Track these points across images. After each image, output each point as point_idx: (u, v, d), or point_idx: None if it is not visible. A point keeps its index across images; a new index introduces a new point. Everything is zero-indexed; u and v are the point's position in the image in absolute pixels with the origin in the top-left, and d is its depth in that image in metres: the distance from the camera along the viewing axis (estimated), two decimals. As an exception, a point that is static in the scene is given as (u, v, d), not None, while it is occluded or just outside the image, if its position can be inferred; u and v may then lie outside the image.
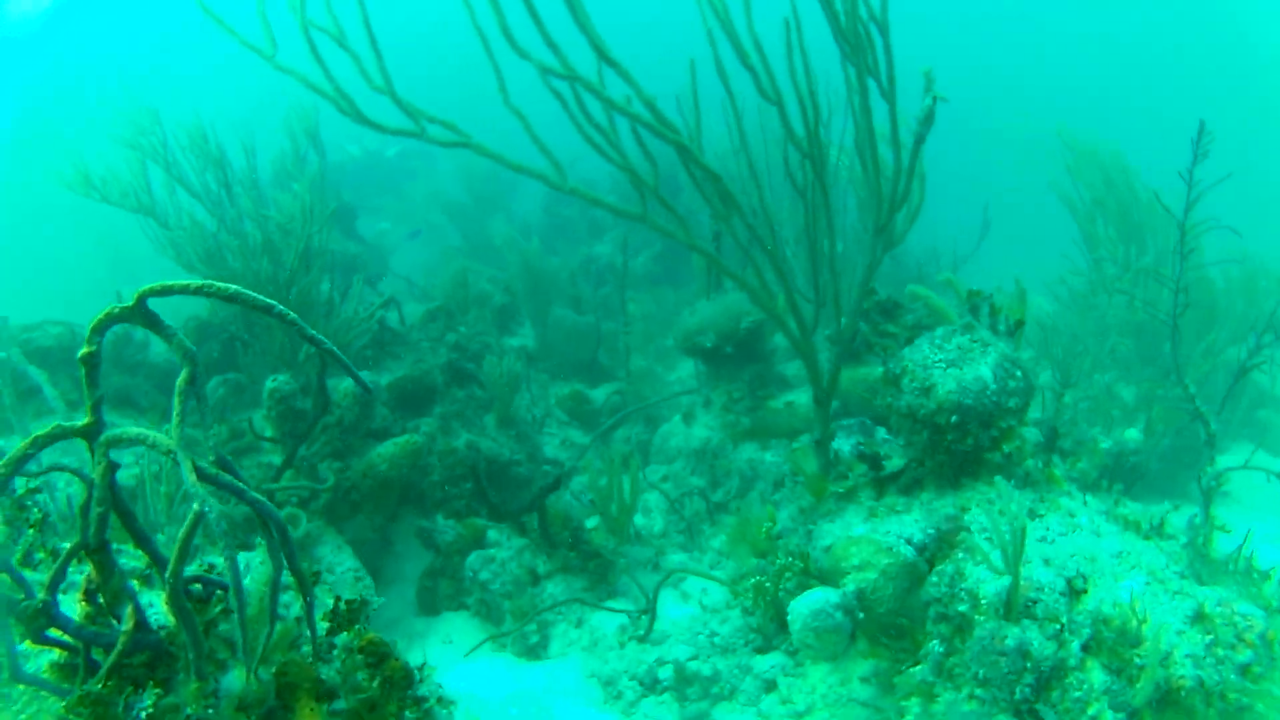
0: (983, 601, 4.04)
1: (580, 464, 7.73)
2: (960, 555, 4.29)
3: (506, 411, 7.00)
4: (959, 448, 4.78)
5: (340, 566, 5.47)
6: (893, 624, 4.48)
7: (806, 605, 4.36)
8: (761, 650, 4.93)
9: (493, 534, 5.92)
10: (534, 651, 5.42)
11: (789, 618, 4.47)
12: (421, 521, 6.34)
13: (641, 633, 5.12)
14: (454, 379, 7.47)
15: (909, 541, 4.50)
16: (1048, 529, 4.50)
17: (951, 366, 4.81)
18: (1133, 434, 7.65)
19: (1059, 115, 9.65)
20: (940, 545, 4.41)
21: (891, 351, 6.72)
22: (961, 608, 4.10)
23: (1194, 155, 4.11)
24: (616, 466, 5.77)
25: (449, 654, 5.62)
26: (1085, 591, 3.90)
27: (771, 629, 4.92)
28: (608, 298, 10.28)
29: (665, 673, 4.90)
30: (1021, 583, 3.97)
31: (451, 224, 13.43)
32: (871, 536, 4.59)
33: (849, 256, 7.60)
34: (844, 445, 5.93)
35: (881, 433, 6.05)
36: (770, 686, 4.80)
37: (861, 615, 4.43)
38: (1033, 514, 4.61)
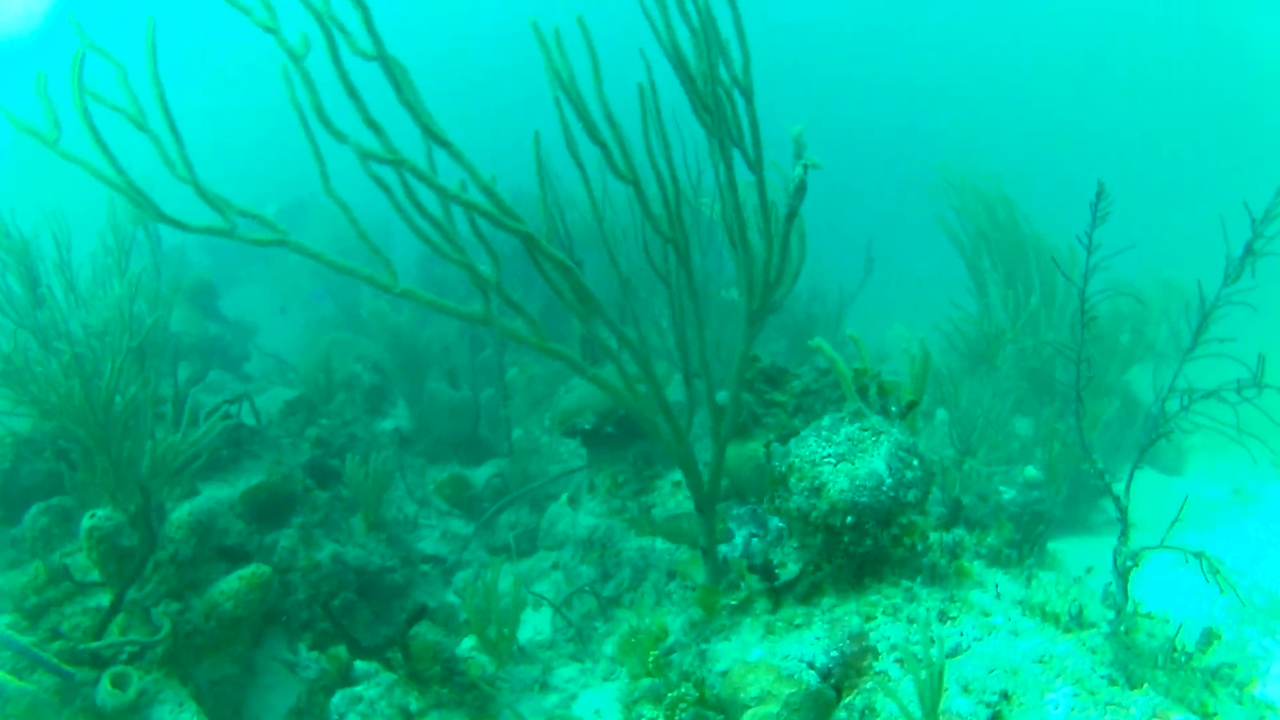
0: (898, 744, 3.46)
1: (464, 557, 7.00)
2: (869, 685, 3.70)
3: (375, 515, 6.23)
4: (857, 549, 4.23)
5: (180, 732, 4.64)
6: (802, 761, 3.87)
7: (703, 760, 3.72)
8: (661, 791, 4.27)
9: (360, 666, 5.15)
10: (412, 803, 4.68)
11: (685, 770, 3.83)
12: (284, 653, 5.54)
13: (529, 780, 4.42)
14: (318, 479, 6.68)
15: (811, 665, 3.91)
16: (962, 634, 3.96)
17: (842, 461, 4.25)
18: (1031, 471, 7.25)
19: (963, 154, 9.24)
20: (846, 670, 3.82)
21: (780, 421, 6.18)
22: (874, 752, 3.52)
23: (1093, 218, 3.63)
24: (493, 583, 5.07)
25: (319, 813, 4.86)
26: (1011, 728, 3.35)
27: (670, 765, 4.26)
28: (488, 362, 9.57)
29: (556, 828, 4.21)
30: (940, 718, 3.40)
31: (327, 293, 12.53)
32: (770, 661, 3.98)
33: (724, 321, 7.07)
34: (736, 536, 5.34)
35: (775, 521, 5.47)
36: (674, 834, 4.14)
37: (766, 761, 3.81)
38: (944, 616, 4.07)
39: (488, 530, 7.25)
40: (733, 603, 4.48)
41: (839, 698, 3.82)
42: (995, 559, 4.91)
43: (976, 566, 4.83)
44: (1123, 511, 4.10)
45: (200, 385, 8.26)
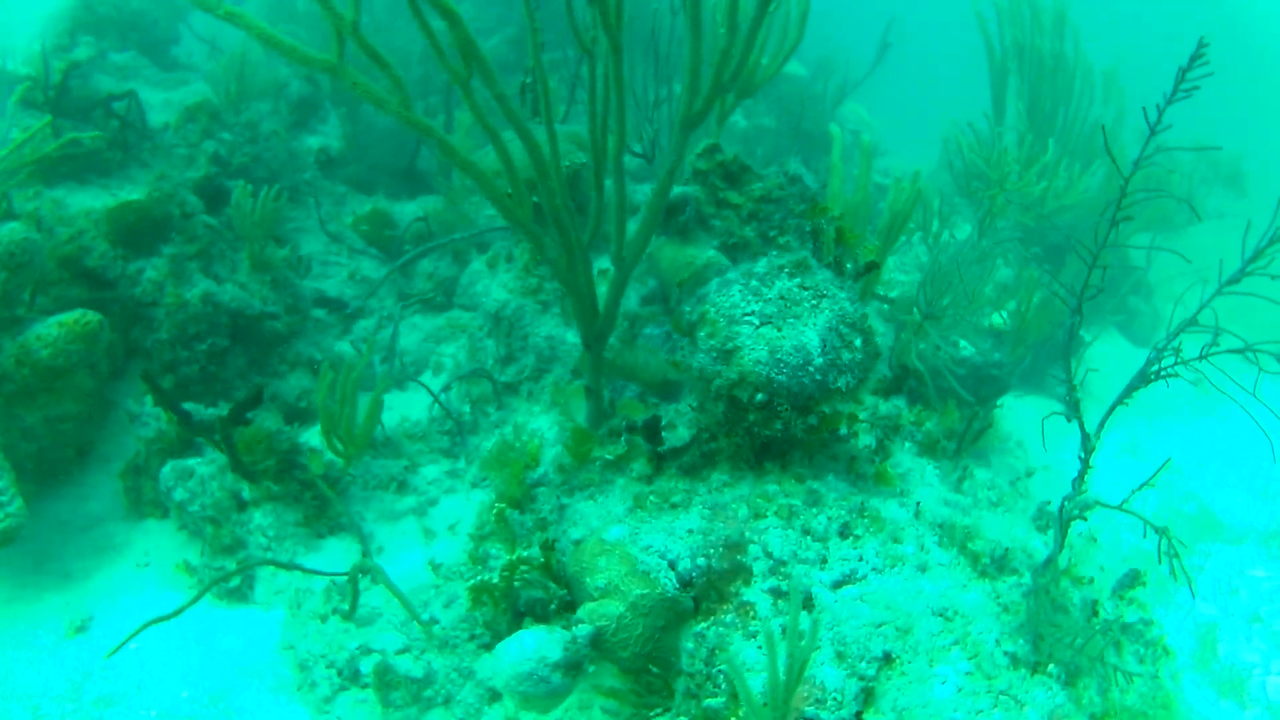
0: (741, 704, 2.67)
1: (370, 304, 6.04)
2: (729, 618, 2.87)
3: (261, 253, 5.18)
4: (763, 431, 3.28)
5: (-27, 484, 3.83)
6: (641, 668, 3.11)
7: (512, 662, 2.96)
8: (489, 648, 3.55)
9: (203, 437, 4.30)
10: (238, 594, 4.00)
11: (494, 662, 3.07)
12: (129, 402, 4.69)
13: (348, 606, 3.68)
14: (210, 202, 5.56)
15: (673, 565, 3.05)
16: (861, 560, 3.11)
17: (767, 324, 3.22)
18: (998, 319, 6.26)
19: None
20: (709, 588, 2.97)
21: (729, 227, 5.05)
22: (714, 702, 2.74)
23: (1174, 88, 2.42)
24: (351, 377, 4.10)
25: (140, 583, 4.18)
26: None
27: (504, 623, 3.52)
28: (444, 87, 8.13)
29: (368, 666, 3.53)
30: (800, 688, 2.59)
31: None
32: (628, 549, 3.13)
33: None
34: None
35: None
36: (494, 697, 3.46)
37: (592, 669, 3.04)
38: (846, 531, 3.20)
39: (403, 276, 6.25)
40: (608, 456, 3.58)
41: (696, 611, 3.01)
42: (930, 448, 4.00)
43: (907, 456, 3.93)
44: (1088, 453, 3.15)
45: (111, 69, 6.91)
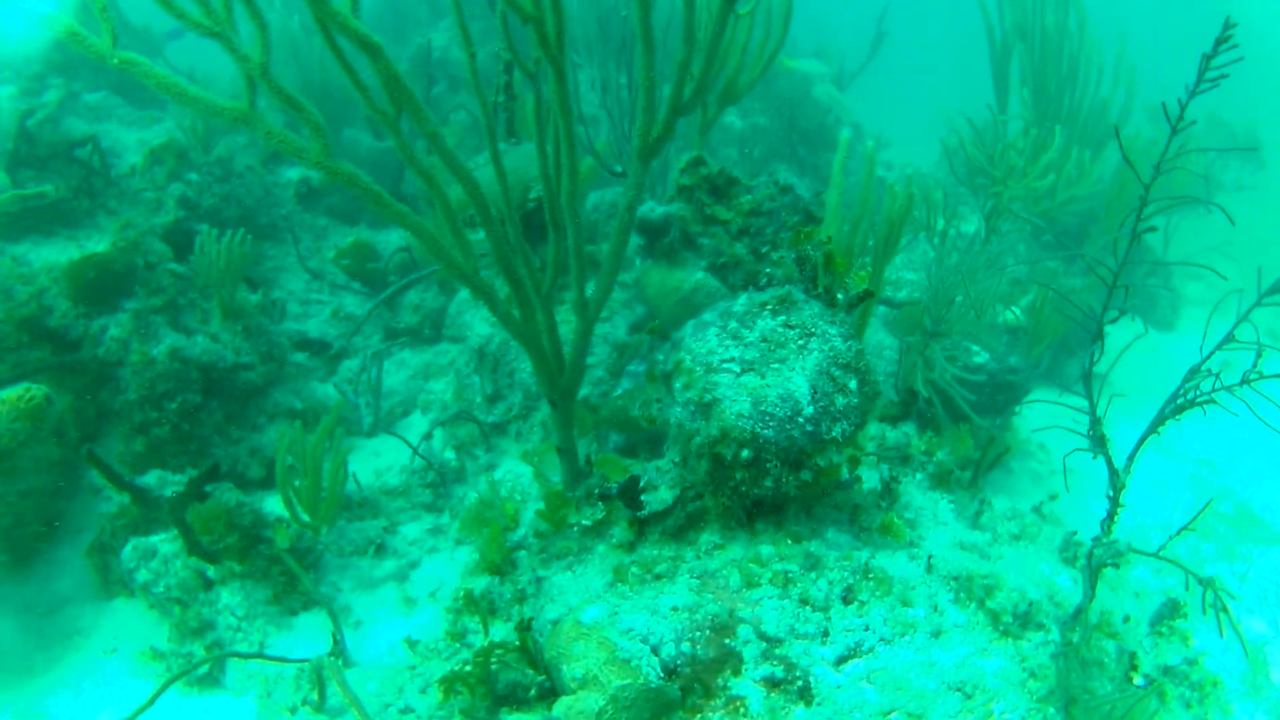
0: (735, 823, 2.30)
1: (354, 343, 5.68)
2: (717, 717, 2.47)
3: (231, 300, 4.84)
4: (752, 490, 2.88)
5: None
6: (628, 765, 2.73)
7: (482, 779, 2.57)
8: (471, 736, 3.19)
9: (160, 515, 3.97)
10: (209, 680, 3.66)
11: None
12: (94, 475, 4.37)
13: (317, 696, 3.33)
14: (182, 245, 5.23)
15: (656, 651, 2.66)
16: (867, 630, 2.72)
17: (749, 371, 2.82)
18: (1012, 316, 5.81)
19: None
20: (694, 679, 2.58)
21: (718, 245, 4.65)
22: (706, 820, 2.36)
23: (1198, 78, 2.02)
24: (311, 441, 3.75)
25: (107, 672, 3.85)
26: None
27: (482, 710, 3.15)
28: (438, 101, 7.75)
29: (340, 761, 3.18)
30: (797, 805, 2.22)
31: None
32: (606, 633, 2.74)
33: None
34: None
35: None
36: (475, 793, 3.11)
37: (573, 775, 2.66)
38: (849, 597, 2.81)
39: (389, 310, 5.88)
40: (586, 523, 3.19)
41: (683, 703, 2.62)
42: (943, 479, 3.58)
43: (918, 491, 3.52)
44: (1117, 491, 2.73)
45: (83, 110, 6.59)
